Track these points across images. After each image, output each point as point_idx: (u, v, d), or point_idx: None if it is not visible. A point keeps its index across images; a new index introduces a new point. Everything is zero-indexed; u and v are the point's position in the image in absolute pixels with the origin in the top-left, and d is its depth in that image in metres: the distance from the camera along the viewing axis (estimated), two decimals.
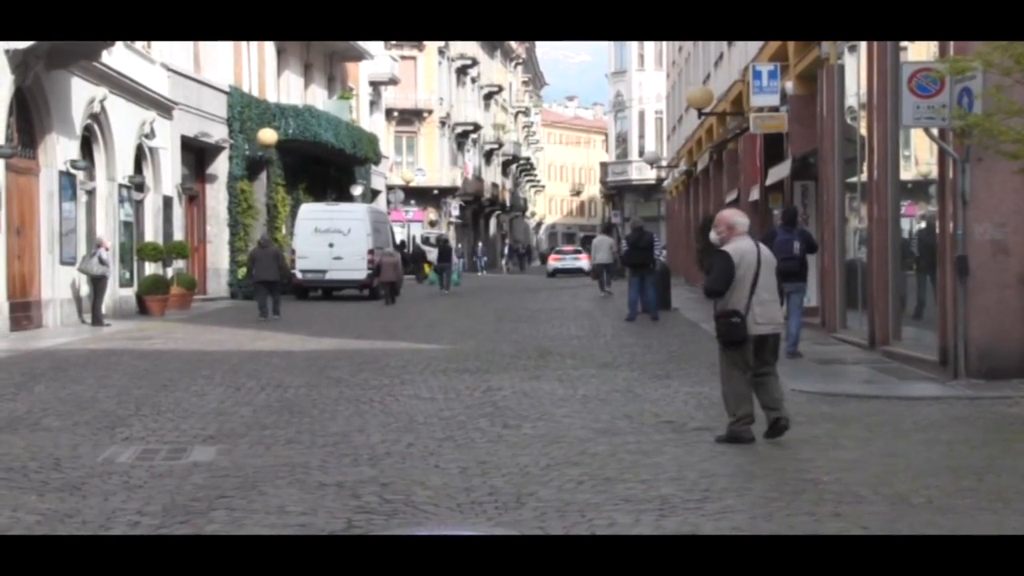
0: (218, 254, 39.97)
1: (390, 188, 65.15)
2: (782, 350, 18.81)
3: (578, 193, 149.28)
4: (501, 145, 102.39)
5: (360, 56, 54.66)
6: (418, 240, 65.65)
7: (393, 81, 65.94)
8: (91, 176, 29.99)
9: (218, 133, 39.03)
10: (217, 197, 39.99)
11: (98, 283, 27.62)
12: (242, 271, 39.62)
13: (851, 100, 23.41)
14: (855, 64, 22.80)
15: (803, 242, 19.90)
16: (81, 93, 28.40)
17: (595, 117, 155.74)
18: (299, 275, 39.47)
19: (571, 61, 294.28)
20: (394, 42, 70.70)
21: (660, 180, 76.56)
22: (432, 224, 78.41)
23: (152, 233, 33.62)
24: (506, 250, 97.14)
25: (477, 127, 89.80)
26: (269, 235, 41.34)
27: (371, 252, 40.03)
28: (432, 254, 53.74)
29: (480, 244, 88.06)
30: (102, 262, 27.63)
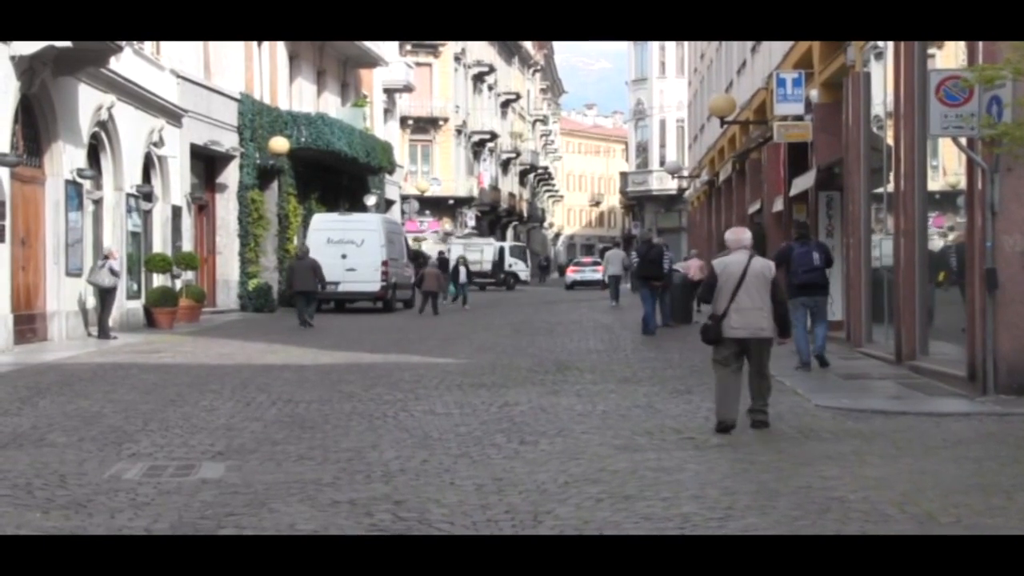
0: (228, 265, 40.00)
1: (404, 198, 65.21)
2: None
3: (597, 203, 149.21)
4: (518, 154, 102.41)
5: (374, 62, 54.71)
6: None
7: (408, 88, 66.02)
8: (98, 185, 30.07)
9: (229, 141, 39.11)
10: (227, 207, 40.05)
11: (106, 295, 27.67)
12: (253, 282, 39.72)
13: (877, 108, 23.38)
14: (881, 72, 22.78)
15: (822, 253, 20.34)
16: (88, 100, 28.48)
17: (615, 126, 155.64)
18: None
19: (590, 68, 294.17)
20: (409, 48, 70.89)
21: (681, 190, 76.57)
22: (447, 236, 78.51)
23: (160, 244, 33.70)
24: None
25: (494, 136, 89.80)
26: (280, 246, 41.56)
27: (385, 264, 40.09)
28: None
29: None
30: (113, 273, 27.69)
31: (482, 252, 71.38)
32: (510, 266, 73.56)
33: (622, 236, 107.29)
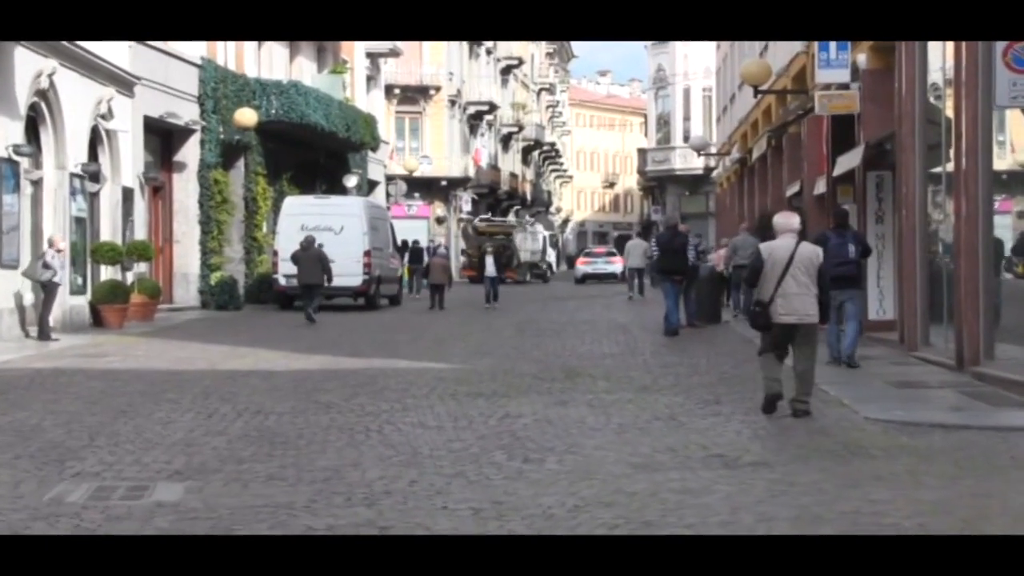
0: (187, 256, 39.99)
1: (390, 179, 65.22)
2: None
3: (612, 185, 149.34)
4: (521, 128, 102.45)
5: None
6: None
7: (394, 53, 66.00)
8: (37, 164, 30.02)
9: (188, 113, 39.09)
10: (186, 189, 40.04)
11: (47, 290, 27.61)
12: (216, 275, 39.70)
13: (935, 75, 23.33)
14: None
15: (858, 245, 21.37)
16: (26, 66, 28.41)
17: (632, 95, 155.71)
18: (282, 281, 39.49)
19: None
20: None
21: (709, 170, 76.57)
22: (440, 222, 78.52)
23: (109, 231, 33.65)
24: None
25: (493, 107, 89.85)
26: (247, 233, 41.56)
27: (367, 254, 40.06)
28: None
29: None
30: (46, 266, 27.61)
31: (537, 241, 76.32)
32: (547, 256, 76.78)
33: (641, 223, 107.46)
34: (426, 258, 53.17)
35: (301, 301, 35.51)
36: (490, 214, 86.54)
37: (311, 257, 35.53)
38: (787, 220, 16.18)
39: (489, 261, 44.03)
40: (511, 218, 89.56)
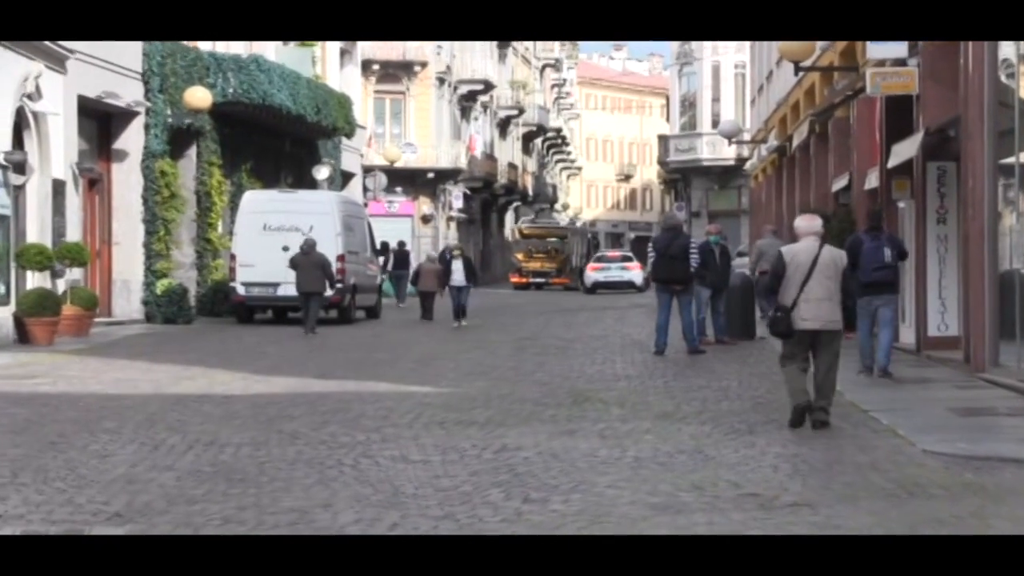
0: (129, 260, 39.93)
1: (368, 170, 65.19)
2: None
3: (628, 178, 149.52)
4: (521, 111, 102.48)
5: None
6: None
7: None
8: None
9: (130, 93, 39.06)
10: (128, 182, 39.99)
11: None
12: (162, 283, 39.64)
13: (1006, 50, 23.35)
14: None
15: (894, 248, 22.86)
16: None
17: (652, 73, 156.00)
18: (240, 290, 39.47)
19: None
20: None
21: (741, 160, 76.61)
22: (426, 220, 78.56)
23: (37, 231, 33.61)
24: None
25: (488, 86, 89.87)
26: (199, 234, 41.57)
27: (341, 259, 39.84)
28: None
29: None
30: None
31: (584, 244, 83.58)
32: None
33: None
34: (412, 263, 53.63)
35: (303, 312, 36.61)
36: (534, 215, 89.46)
37: (313, 262, 36.50)
38: (809, 223, 17.90)
39: (456, 267, 41.51)
40: (563, 220, 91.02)
